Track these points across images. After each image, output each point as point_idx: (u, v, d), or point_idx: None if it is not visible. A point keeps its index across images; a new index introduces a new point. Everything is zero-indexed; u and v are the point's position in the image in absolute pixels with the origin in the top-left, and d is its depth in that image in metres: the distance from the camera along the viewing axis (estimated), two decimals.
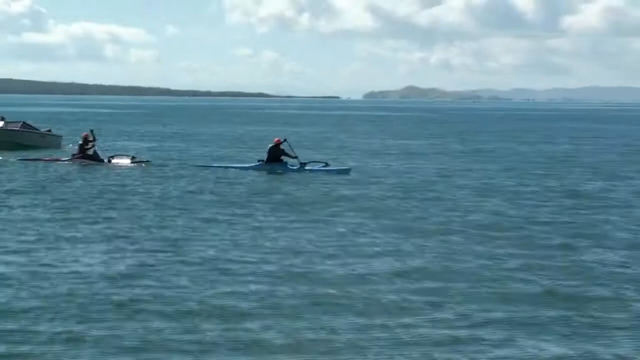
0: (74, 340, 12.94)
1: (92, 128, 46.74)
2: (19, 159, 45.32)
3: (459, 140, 77.82)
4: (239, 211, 27.31)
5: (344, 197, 31.37)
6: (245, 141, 70.85)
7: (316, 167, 41.15)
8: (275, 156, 40.80)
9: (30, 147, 52.12)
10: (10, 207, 27.47)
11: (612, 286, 17.17)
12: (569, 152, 62.45)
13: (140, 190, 32.63)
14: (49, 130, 57.81)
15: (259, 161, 41.64)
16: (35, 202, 28.94)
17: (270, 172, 39.81)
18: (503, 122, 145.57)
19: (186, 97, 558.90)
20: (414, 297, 15.96)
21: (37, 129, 56.54)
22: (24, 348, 12.53)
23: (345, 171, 40.99)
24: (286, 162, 40.75)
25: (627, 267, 19.17)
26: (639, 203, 31.16)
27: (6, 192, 31.61)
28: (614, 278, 17.94)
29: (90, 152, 43.94)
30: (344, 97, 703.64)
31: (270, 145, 41.47)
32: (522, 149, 64.53)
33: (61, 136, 58.08)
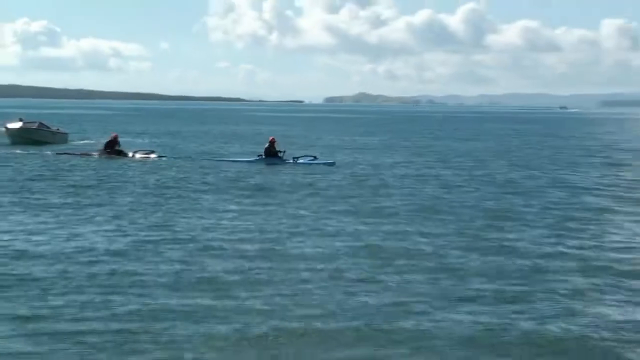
0: (84, 305, 12.86)
1: (117, 134, 46.14)
2: (56, 153, 44.93)
3: (404, 137, 77.88)
4: (237, 197, 27.04)
5: (322, 185, 31.20)
6: (227, 136, 70.56)
7: (306, 160, 40.53)
8: (271, 152, 40.47)
9: (44, 143, 51.60)
10: (43, 192, 27.27)
11: (531, 260, 17.20)
12: (494, 147, 62.65)
13: (157, 179, 32.43)
14: (58, 129, 57.38)
15: (258, 156, 41.07)
16: (63, 188, 28.85)
17: (267, 165, 39.20)
18: (439, 122, 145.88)
19: (177, 102, 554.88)
20: (368, 269, 15.95)
21: (49, 128, 56.11)
22: (44, 311, 12.44)
23: (331, 164, 40.30)
24: (281, 157, 40.25)
25: (542, 244, 19.19)
26: (551, 189, 31.32)
27: (40, 179, 31.48)
28: (532, 253, 17.98)
29: (118, 148, 43.52)
30: (307, 101, 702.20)
31: (266, 145, 40.97)
32: (455, 145, 64.70)
33: (67, 133, 57.52)
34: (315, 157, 41.37)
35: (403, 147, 59.62)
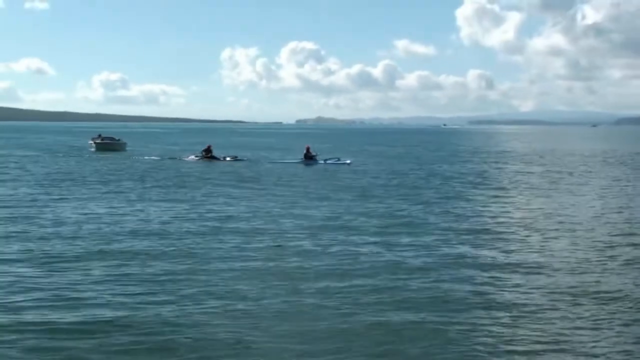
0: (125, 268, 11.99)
1: (210, 145, 43.29)
2: (164, 158, 42.71)
3: (346, 144, 77.13)
4: (286, 187, 25.46)
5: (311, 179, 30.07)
6: (239, 145, 68.86)
7: (332, 161, 38.29)
8: (309, 156, 38.68)
9: (115, 150, 50.88)
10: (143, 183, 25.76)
11: (425, 230, 16.04)
12: (403, 152, 62.19)
13: (235, 174, 30.99)
14: (119, 139, 55.68)
15: (300, 159, 39.20)
16: (170, 180, 27.71)
17: (305, 165, 37.20)
18: (370, 135, 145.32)
19: (202, 123, 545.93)
20: (310, 240, 14.82)
21: (116, 139, 54.71)
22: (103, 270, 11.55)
23: (348, 164, 37.70)
24: (316, 159, 38.31)
25: (436, 217, 18.28)
26: (444, 181, 30.67)
27: (148, 175, 30.01)
28: (427, 226, 16.68)
29: (212, 154, 40.79)
30: (284, 122, 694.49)
31: (305, 152, 39.17)
32: (383, 149, 64.16)
33: (126, 143, 55.27)
34: (338, 159, 39.14)
35: (350, 151, 58.78)
